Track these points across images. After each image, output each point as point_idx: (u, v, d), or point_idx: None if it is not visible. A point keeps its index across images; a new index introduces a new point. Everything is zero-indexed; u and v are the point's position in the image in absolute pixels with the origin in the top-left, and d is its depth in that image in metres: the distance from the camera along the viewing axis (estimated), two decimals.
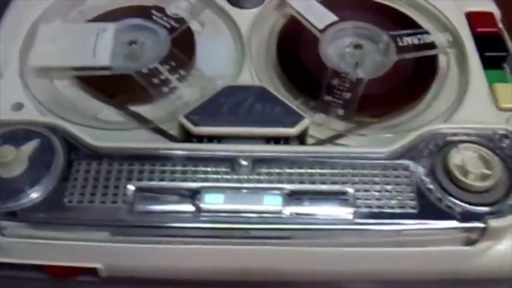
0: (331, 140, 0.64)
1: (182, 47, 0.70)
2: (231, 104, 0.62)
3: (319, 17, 0.72)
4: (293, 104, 0.63)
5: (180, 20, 0.73)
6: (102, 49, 0.68)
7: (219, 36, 0.74)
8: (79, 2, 0.76)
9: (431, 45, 0.71)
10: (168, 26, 0.72)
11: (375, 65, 0.70)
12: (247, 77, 0.68)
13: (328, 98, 0.65)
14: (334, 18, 0.73)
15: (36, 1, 0.75)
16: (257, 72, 0.68)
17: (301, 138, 0.62)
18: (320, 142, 0.63)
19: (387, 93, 0.67)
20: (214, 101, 0.63)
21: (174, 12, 0.73)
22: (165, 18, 0.72)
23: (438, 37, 0.73)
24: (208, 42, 0.72)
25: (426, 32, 0.73)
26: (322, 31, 0.71)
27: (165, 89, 0.66)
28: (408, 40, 0.71)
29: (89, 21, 0.73)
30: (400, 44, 0.71)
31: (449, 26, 0.74)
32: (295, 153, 0.60)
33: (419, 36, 0.72)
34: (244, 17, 0.75)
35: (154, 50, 0.70)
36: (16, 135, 0.60)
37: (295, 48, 0.71)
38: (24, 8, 0.74)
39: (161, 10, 0.73)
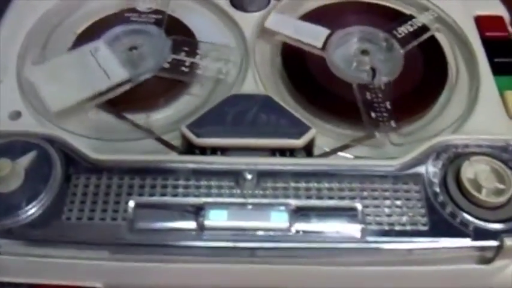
0: (337, 151, 0.62)
1: (180, 32, 0.69)
2: (234, 113, 0.60)
3: (311, 34, 0.69)
4: (340, 133, 0.63)
5: (159, 11, 0.71)
6: (110, 67, 0.65)
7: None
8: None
9: (425, 28, 0.70)
10: (152, 20, 0.70)
11: (387, 65, 0.68)
12: (252, 85, 0.65)
13: (374, 114, 0.63)
14: (326, 31, 0.70)
15: (34, 5, 0.73)
16: (262, 79, 0.66)
17: (308, 150, 0.60)
18: (327, 153, 0.61)
19: (396, 102, 0.64)
20: (217, 110, 0.61)
21: (146, 7, 0.71)
22: (143, 15, 0.71)
23: (424, 18, 0.72)
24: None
25: (412, 16, 0.72)
26: (323, 48, 0.68)
27: (199, 71, 0.66)
28: (403, 30, 0.70)
29: (72, 48, 0.69)
30: (399, 36, 0.69)
31: (457, 30, 0.72)
32: (302, 166, 0.58)
33: (409, 22, 0.71)
34: (248, 20, 0.72)
35: (157, 46, 0.68)
36: (12, 147, 0.57)
37: (301, 54, 0.69)
38: (22, 11, 0.72)
39: (133, 10, 0.71)
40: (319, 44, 0.68)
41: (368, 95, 0.64)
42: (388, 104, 0.63)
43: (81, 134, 0.61)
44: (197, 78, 0.66)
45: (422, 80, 0.67)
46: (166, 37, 0.68)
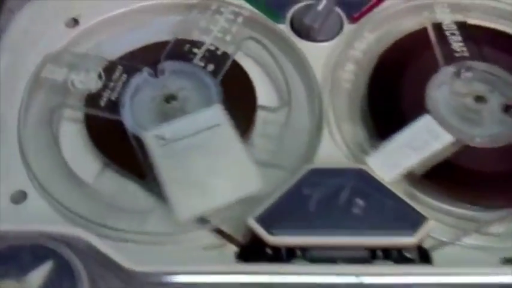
0: (456, 240, 0.46)
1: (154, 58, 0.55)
2: (318, 197, 0.45)
3: (427, 138, 0.49)
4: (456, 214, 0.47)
5: (110, 68, 0.54)
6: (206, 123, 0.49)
7: None
8: None
9: (462, 24, 0.56)
10: (124, 77, 0.54)
11: (505, 89, 0.53)
12: (331, 149, 0.50)
13: None
14: (427, 117, 0.50)
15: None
16: (345, 139, 0.50)
17: (420, 248, 0.45)
18: (441, 244, 0.46)
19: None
20: (294, 194, 0.45)
21: (99, 83, 0.53)
22: (110, 85, 0.53)
23: (443, 16, 0.57)
24: None
25: (439, 24, 0.56)
26: (456, 142, 0.49)
27: (227, 38, 0.56)
28: (457, 44, 0.55)
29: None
30: (466, 54, 0.54)
31: None
32: (419, 276, 0.43)
33: (446, 32, 0.56)
34: (317, 53, 0.55)
35: (169, 79, 0.55)
36: (19, 256, 0.42)
37: (400, 96, 0.52)
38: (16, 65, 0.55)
39: (96, 96, 0.52)
40: (450, 138, 0.49)
41: None
42: None
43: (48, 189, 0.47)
44: (238, 46, 0.55)
45: None
46: (161, 67, 0.54)
